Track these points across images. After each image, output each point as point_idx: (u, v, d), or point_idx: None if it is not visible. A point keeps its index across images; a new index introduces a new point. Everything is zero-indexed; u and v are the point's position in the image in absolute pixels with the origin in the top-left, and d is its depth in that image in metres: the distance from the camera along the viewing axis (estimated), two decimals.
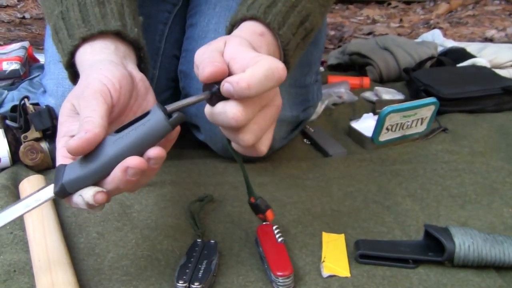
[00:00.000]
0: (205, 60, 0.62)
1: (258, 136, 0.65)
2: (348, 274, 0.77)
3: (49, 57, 1.10)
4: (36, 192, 0.65)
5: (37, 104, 1.10)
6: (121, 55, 0.75)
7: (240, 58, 0.62)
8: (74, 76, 0.78)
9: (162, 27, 1.14)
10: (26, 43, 1.64)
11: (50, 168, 1.05)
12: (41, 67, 1.49)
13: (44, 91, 1.08)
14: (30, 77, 1.45)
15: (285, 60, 0.76)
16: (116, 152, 0.59)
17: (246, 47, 0.65)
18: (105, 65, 0.70)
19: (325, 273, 0.77)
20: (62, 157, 0.65)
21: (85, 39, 0.75)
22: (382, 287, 0.75)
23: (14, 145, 1.05)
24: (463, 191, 1.00)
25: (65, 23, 0.78)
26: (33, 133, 1.04)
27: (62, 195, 0.62)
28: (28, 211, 0.65)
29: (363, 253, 0.79)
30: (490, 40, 2.34)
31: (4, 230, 0.84)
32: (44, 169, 1.05)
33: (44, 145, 1.04)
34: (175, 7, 1.19)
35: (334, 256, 0.80)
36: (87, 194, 0.60)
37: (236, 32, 0.74)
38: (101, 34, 0.76)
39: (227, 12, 1.07)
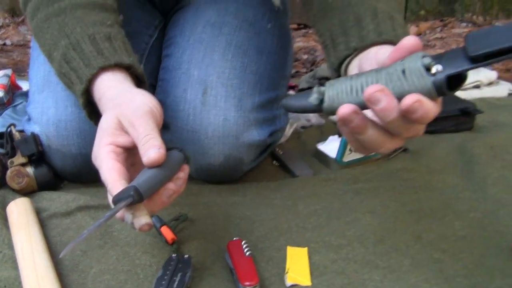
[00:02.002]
0: None
1: None
2: (309, 283, 0.85)
3: (34, 86, 1.17)
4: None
5: (22, 131, 1.17)
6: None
7: None
8: (87, 103, 0.88)
9: (139, 57, 1.23)
10: (9, 71, 1.71)
11: (36, 191, 1.12)
12: (24, 94, 1.55)
13: (29, 119, 1.16)
14: (14, 104, 1.52)
15: None
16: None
17: None
18: (141, 91, 0.82)
19: (288, 282, 0.85)
20: (109, 159, 0.75)
21: (102, 69, 0.85)
22: None
23: (0, 170, 1.12)
24: (419, 206, 1.09)
25: (78, 54, 0.88)
26: (19, 159, 1.11)
27: (138, 199, 0.70)
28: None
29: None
30: None
31: None
32: (30, 193, 1.11)
33: (30, 169, 1.11)
34: (151, 38, 1.27)
35: (297, 267, 0.88)
36: (138, 222, 0.71)
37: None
38: (116, 66, 0.87)
39: (199, 45, 1.16)
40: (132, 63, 0.89)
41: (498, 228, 1.02)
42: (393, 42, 0.74)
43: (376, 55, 0.71)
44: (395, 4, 0.86)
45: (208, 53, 1.15)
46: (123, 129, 0.77)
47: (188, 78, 1.12)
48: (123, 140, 0.76)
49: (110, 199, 0.72)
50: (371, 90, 0.59)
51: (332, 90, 0.66)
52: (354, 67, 0.79)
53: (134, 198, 0.69)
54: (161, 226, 0.94)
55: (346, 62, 0.82)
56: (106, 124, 0.77)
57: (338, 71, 0.84)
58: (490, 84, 1.93)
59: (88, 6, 0.94)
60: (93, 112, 0.90)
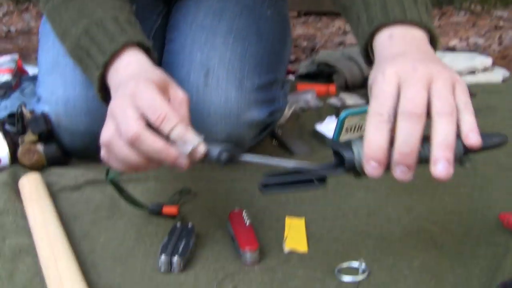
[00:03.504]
0: None
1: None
2: (306, 250, 0.90)
3: (43, 68, 1.22)
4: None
5: (32, 111, 1.22)
6: None
7: None
8: (102, 80, 0.92)
9: None
10: (15, 56, 1.76)
11: (45, 167, 1.17)
12: (31, 79, 1.60)
13: (38, 99, 1.21)
14: (21, 87, 1.56)
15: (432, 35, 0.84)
16: None
17: None
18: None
19: (287, 249, 0.90)
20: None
21: (125, 46, 0.90)
22: (335, 259, 0.88)
23: (12, 147, 1.17)
24: (411, 182, 1.13)
25: (101, 30, 0.92)
26: (29, 137, 1.16)
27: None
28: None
29: (265, 183, 0.79)
30: (453, 49, 2.49)
31: (7, 219, 0.96)
32: (40, 169, 1.16)
33: (39, 146, 1.16)
34: (155, 24, 1.32)
35: (295, 236, 0.94)
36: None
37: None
38: (138, 45, 0.91)
39: (202, 30, 1.21)
40: (150, 47, 0.93)
41: (486, 202, 1.07)
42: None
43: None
44: None
45: (210, 38, 1.20)
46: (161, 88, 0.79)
47: (191, 61, 1.17)
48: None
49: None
50: None
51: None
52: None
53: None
54: (160, 210, 1.00)
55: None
56: (147, 86, 0.77)
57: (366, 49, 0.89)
58: (485, 70, 1.98)
59: None
60: (105, 95, 0.94)
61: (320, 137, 1.35)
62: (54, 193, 1.07)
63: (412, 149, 0.66)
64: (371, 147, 0.67)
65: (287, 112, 1.44)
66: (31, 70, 1.75)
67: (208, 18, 1.23)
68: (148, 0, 1.35)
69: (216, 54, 1.17)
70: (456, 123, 0.67)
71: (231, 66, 1.16)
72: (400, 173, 0.69)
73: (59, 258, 0.82)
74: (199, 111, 1.14)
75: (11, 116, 1.24)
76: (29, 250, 0.87)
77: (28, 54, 2.35)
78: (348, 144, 0.72)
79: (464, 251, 0.91)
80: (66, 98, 1.14)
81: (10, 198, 1.01)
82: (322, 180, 0.77)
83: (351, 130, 1.30)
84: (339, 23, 3.01)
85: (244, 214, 0.95)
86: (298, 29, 2.90)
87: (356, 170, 0.73)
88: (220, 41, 1.19)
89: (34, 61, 1.58)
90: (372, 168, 0.68)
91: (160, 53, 1.29)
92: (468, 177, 1.15)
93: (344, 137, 1.30)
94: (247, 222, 0.93)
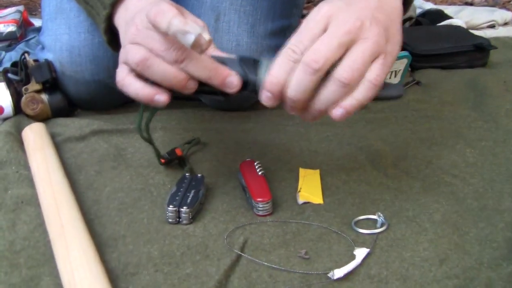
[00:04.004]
0: None
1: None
2: (321, 201, 0.86)
3: (46, 15, 1.17)
4: None
5: (36, 60, 1.17)
6: None
7: None
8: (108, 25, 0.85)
9: None
10: (21, 7, 1.71)
11: (50, 118, 1.13)
12: (36, 30, 1.56)
13: (42, 48, 1.16)
14: (26, 38, 1.52)
15: None
16: None
17: None
18: None
19: (301, 200, 0.86)
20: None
21: None
22: (351, 212, 0.84)
23: (15, 97, 1.12)
24: (431, 135, 1.09)
25: None
26: (33, 86, 1.11)
27: None
28: None
29: None
30: (471, 4, 2.41)
31: (10, 169, 0.92)
32: (44, 119, 1.12)
33: (44, 96, 1.12)
34: None
35: (309, 187, 0.89)
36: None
37: None
38: None
39: None
40: None
41: (508, 156, 1.02)
42: None
43: None
44: None
45: None
46: None
47: (201, 4, 1.12)
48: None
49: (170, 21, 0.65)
50: None
51: None
52: None
53: None
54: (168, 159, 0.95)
55: None
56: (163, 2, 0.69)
57: None
58: (505, 24, 1.92)
59: None
60: (111, 39, 0.88)
61: None
62: (58, 144, 1.02)
63: (299, 98, 0.66)
64: (270, 80, 0.67)
65: None
66: (37, 23, 1.69)
67: None
68: None
69: None
70: (347, 94, 0.65)
71: (242, 9, 1.10)
72: (290, 109, 0.70)
73: (62, 208, 0.78)
74: None
75: (14, 64, 1.19)
76: (32, 201, 0.84)
77: (35, 7, 2.29)
78: (257, 63, 0.72)
79: (487, 205, 0.87)
80: (70, 45, 1.09)
81: (13, 148, 0.97)
82: (226, 94, 0.74)
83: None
84: None
85: (256, 164, 0.90)
86: None
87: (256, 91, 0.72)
88: None
89: (40, 15, 1.53)
90: (266, 97, 0.68)
91: None
92: (490, 131, 1.11)
93: None
94: (259, 172, 0.88)
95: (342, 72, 0.63)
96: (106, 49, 0.89)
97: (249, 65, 0.72)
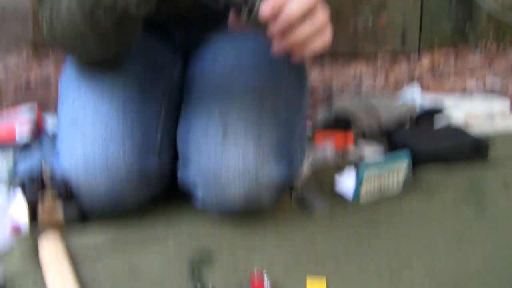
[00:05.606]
0: None
1: None
2: None
3: (63, 125, 1.22)
4: None
5: (51, 168, 1.21)
6: None
7: None
8: None
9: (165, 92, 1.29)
10: (34, 105, 1.76)
11: (63, 226, 1.16)
12: (49, 135, 1.59)
13: (57, 155, 1.19)
14: (40, 144, 1.54)
15: None
16: None
17: None
18: None
19: None
20: None
21: None
22: None
23: (31, 208, 1.16)
24: (434, 240, 1.13)
25: None
26: (49, 199, 1.15)
27: None
28: None
29: None
30: (470, 93, 2.47)
31: (25, 283, 0.96)
32: (60, 228, 1.15)
33: (59, 208, 1.15)
34: (174, 73, 1.34)
35: None
36: None
37: None
38: None
39: (219, 84, 1.22)
40: None
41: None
42: None
43: None
44: None
45: (227, 96, 1.20)
46: None
47: (209, 113, 1.18)
48: None
49: None
50: None
51: None
52: None
53: None
54: None
55: None
56: None
57: None
58: (503, 115, 1.95)
59: None
60: None
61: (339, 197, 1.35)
62: (72, 253, 1.06)
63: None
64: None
65: (305, 169, 1.42)
66: (50, 119, 1.73)
67: (225, 73, 1.24)
68: (166, 51, 1.36)
69: (233, 108, 1.17)
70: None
71: (249, 123, 1.15)
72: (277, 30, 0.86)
73: None
74: (217, 166, 1.13)
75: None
76: None
77: (47, 103, 2.35)
78: None
79: None
80: (85, 157, 1.13)
81: (28, 261, 1.01)
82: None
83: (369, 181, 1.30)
84: (355, 67, 3.01)
85: (265, 275, 0.94)
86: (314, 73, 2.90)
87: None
88: (238, 95, 1.19)
89: (54, 110, 1.56)
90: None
91: (177, 109, 1.29)
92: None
93: (363, 199, 1.31)
94: (267, 285, 0.92)
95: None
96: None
97: None
